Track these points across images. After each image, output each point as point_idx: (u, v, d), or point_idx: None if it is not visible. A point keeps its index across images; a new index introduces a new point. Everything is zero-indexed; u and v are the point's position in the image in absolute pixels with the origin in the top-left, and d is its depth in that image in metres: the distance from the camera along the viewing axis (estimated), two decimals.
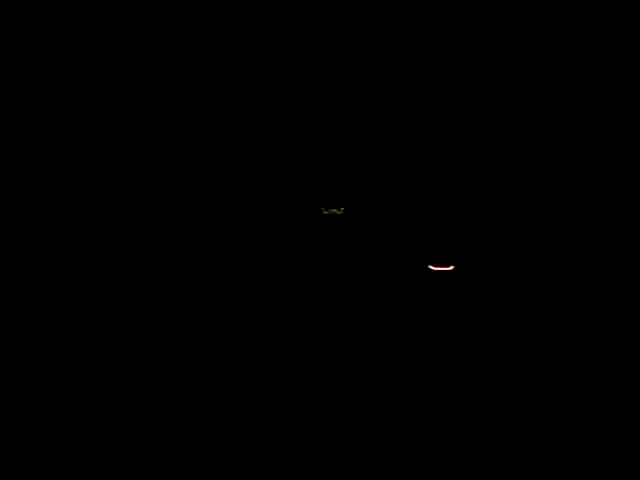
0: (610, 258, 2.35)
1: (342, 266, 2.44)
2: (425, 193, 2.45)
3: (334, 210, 2.17)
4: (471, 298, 2.40)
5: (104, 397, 2.14)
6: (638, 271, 2.31)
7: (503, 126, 2.41)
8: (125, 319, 2.32)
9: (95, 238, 2.36)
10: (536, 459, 1.90)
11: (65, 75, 2.34)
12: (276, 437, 2.00)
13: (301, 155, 2.43)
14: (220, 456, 1.92)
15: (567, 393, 2.16)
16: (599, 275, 2.34)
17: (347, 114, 2.43)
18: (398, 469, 1.88)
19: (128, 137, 2.38)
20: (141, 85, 2.37)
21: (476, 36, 2.37)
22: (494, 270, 2.41)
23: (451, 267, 2.31)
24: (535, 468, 1.88)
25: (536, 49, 2.37)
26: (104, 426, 2.03)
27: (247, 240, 2.42)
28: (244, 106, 2.41)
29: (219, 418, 2.08)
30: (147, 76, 2.38)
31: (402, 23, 2.37)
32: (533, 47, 2.36)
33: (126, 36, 2.34)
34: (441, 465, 1.89)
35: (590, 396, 2.14)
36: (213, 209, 2.42)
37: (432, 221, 2.45)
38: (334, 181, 2.45)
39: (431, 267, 2.34)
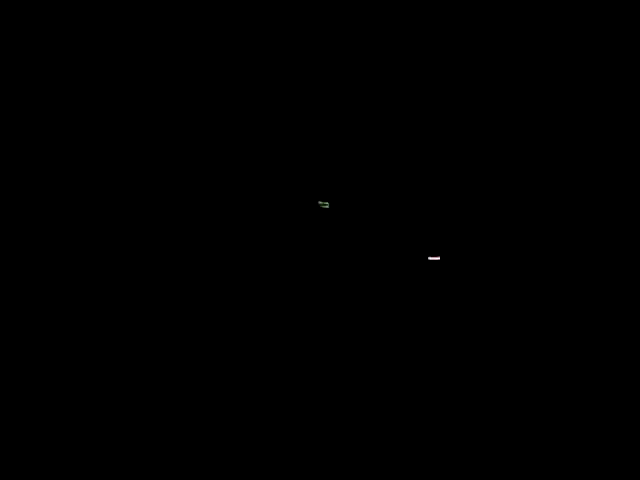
0: (609, 255, 2.35)
1: (338, 259, 2.44)
2: (421, 188, 2.46)
3: (324, 203, 2.18)
4: (470, 294, 2.40)
5: (104, 397, 2.14)
6: (637, 270, 2.32)
7: (500, 122, 2.41)
8: (125, 319, 2.32)
9: (95, 238, 2.36)
10: (536, 458, 1.91)
11: (65, 75, 2.34)
12: (276, 436, 2.00)
13: (299, 151, 2.44)
14: (220, 456, 1.92)
15: (565, 389, 2.16)
16: (598, 270, 2.35)
17: (344, 111, 2.43)
18: (398, 468, 1.88)
19: (128, 137, 2.39)
20: (141, 85, 2.38)
21: (476, 36, 2.37)
22: (492, 265, 2.41)
23: (438, 257, 2.31)
24: (535, 467, 1.88)
25: (536, 49, 2.37)
26: (104, 426, 2.03)
27: (244, 235, 2.42)
28: (242, 105, 2.42)
29: (219, 417, 2.08)
30: (147, 76, 2.38)
31: (402, 23, 2.37)
32: (533, 47, 2.37)
33: (126, 36, 2.34)
34: (441, 464, 1.89)
35: (588, 391, 2.15)
36: (209, 206, 2.42)
37: (429, 214, 2.45)
38: (330, 175, 2.45)
39: (430, 258, 2.34)
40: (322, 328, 2.37)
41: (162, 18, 2.35)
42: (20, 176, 2.32)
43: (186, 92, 2.40)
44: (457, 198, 2.45)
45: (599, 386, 2.17)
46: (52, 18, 2.31)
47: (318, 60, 2.40)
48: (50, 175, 2.34)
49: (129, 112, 2.38)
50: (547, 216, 2.40)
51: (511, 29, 2.35)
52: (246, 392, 2.18)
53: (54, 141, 2.35)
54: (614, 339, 2.28)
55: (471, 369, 2.27)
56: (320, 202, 2.22)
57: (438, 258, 2.37)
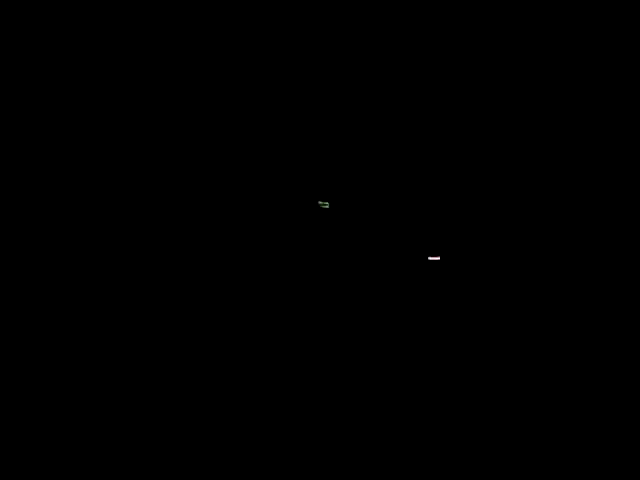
0: (608, 254, 2.35)
1: (339, 259, 2.44)
2: (421, 187, 2.46)
3: (324, 203, 2.18)
4: (470, 293, 2.40)
5: (104, 397, 2.14)
6: (636, 269, 2.32)
7: (500, 121, 2.41)
8: (125, 319, 2.32)
9: (95, 238, 2.36)
10: (535, 458, 1.91)
11: (65, 75, 2.34)
12: (276, 435, 2.00)
13: (298, 151, 2.44)
14: (220, 456, 1.92)
15: (565, 388, 2.16)
16: (598, 269, 2.35)
17: (344, 111, 2.43)
18: (398, 468, 1.88)
19: (128, 137, 2.39)
20: (141, 85, 2.38)
21: (476, 36, 2.37)
22: (492, 264, 2.41)
23: (437, 257, 2.31)
24: (535, 467, 1.88)
25: (536, 49, 2.37)
26: (104, 426, 2.03)
27: (245, 234, 2.42)
28: (242, 104, 2.42)
29: (219, 417, 2.08)
30: (147, 76, 2.38)
31: (402, 23, 2.37)
32: (533, 47, 2.37)
33: (126, 36, 2.34)
34: (441, 464, 1.89)
35: (588, 390, 2.15)
36: (209, 206, 2.42)
37: (428, 213, 2.45)
38: (329, 175, 2.46)
39: (430, 258, 2.34)
40: (322, 327, 2.37)
41: (162, 18, 2.35)
42: (20, 176, 2.32)
43: (186, 92, 2.40)
44: (457, 197, 2.45)
45: (599, 385, 2.17)
46: (52, 18, 2.31)
47: (318, 59, 2.40)
48: (50, 175, 2.34)
49: (129, 112, 2.38)
50: (547, 215, 2.40)
51: (511, 29, 2.35)
52: (246, 391, 2.19)
53: (54, 141, 2.35)
54: (614, 338, 2.28)
55: (471, 368, 2.27)
56: (320, 202, 2.22)
57: (438, 258, 2.37)
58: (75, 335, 2.28)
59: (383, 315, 2.39)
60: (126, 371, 2.23)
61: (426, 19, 2.37)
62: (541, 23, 2.35)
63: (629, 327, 2.28)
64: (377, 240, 2.47)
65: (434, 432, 2.03)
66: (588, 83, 2.36)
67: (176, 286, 2.37)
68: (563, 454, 1.92)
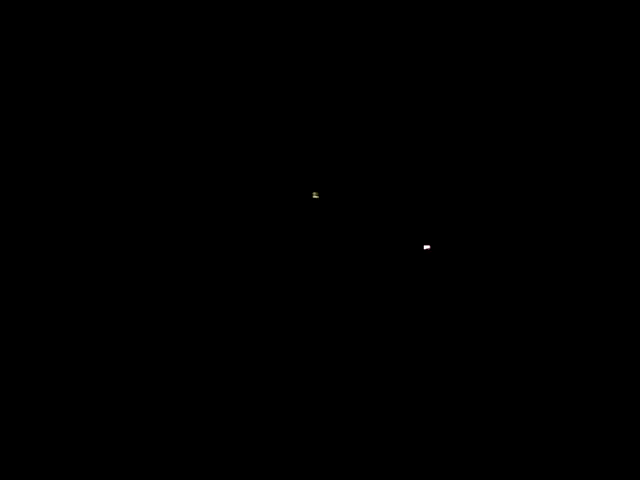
0: (609, 251, 2.35)
1: (336, 253, 2.44)
2: (419, 182, 2.46)
3: (314, 194, 2.18)
4: (469, 290, 2.40)
5: (104, 397, 2.14)
6: (636, 269, 2.32)
7: (498, 117, 2.41)
8: (125, 319, 2.32)
9: (95, 238, 2.36)
10: (535, 457, 1.91)
11: (65, 75, 2.35)
12: (276, 434, 2.00)
13: (297, 148, 2.44)
14: (220, 456, 1.92)
15: (565, 386, 2.16)
16: (598, 265, 2.35)
17: (342, 108, 2.43)
18: (398, 467, 1.88)
19: (128, 137, 2.39)
20: (141, 85, 2.38)
21: (476, 36, 2.37)
22: (490, 260, 2.41)
23: (430, 248, 2.31)
24: (535, 467, 1.88)
25: (536, 49, 2.37)
26: (104, 426, 2.03)
27: (242, 229, 2.42)
28: (241, 103, 2.42)
29: (219, 417, 2.08)
30: (147, 76, 2.38)
31: (402, 23, 2.37)
32: (533, 47, 2.37)
33: (126, 36, 2.34)
34: (441, 464, 1.89)
35: (588, 389, 2.14)
36: (207, 203, 2.42)
37: (427, 208, 2.45)
38: (327, 171, 2.46)
39: (425, 247, 2.34)
40: (320, 323, 2.37)
41: (162, 18, 2.35)
42: (20, 176, 2.33)
43: (185, 91, 2.40)
44: (456, 194, 2.45)
45: (599, 383, 2.17)
46: (52, 18, 2.31)
47: (317, 59, 2.40)
48: (50, 175, 2.35)
49: (129, 112, 2.38)
50: (546, 212, 2.40)
51: (511, 29, 2.35)
52: (245, 390, 2.19)
53: (54, 141, 2.35)
54: (614, 336, 2.28)
55: (470, 364, 2.27)
56: (314, 194, 2.22)
57: (429, 248, 2.37)
58: (75, 335, 2.28)
59: (382, 309, 2.39)
60: (126, 371, 2.23)
61: (426, 19, 2.37)
62: (541, 23, 2.34)
63: (629, 325, 2.28)
64: (376, 234, 2.47)
65: (434, 429, 2.03)
66: (588, 83, 2.36)
67: (175, 282, 2.37)
68: (563, 453, 1.92)
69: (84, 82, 2.36)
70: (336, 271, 2.44)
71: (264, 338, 2.34)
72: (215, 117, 2.43)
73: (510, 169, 2.42)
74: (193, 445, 1.98)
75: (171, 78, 2.39)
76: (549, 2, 2.32)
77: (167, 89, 2.40)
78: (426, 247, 2.37)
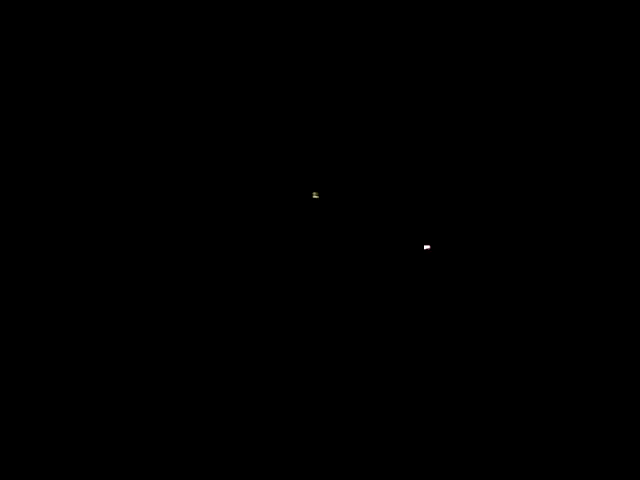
0: (609, 250, 2.35)
1: (336, 253, 2.44)
2: (419, 182, 2.46)
3: (314, 194, 2.18)
4: (469, 290, 2.40)
5: (104, 397, 2.14)
6: (635, 269, 2.32)
7: (497, 116, 2.41)
8: (125, 319, 2.32)
9: (95, 238, 2.36)
10: (535, 457, 1.91)
11: (65, 75, 2.35)
12: (276, 434, 2.00)
13: (296, 147, 2.44)
14: (220, 456, 1.92)
15: (565, 386, 2.16)
16: (598, 264, 2.35)
17: (342, 108, 2.43)
18: (398, 467, 1.88)
19: (128, 137, 2.39)
20: (141, 85, 2.38)
21: (476, 36, 2.37)
22: (491, 261, 2.41)
23: (430, 247, 2.31)
24: (535, 467, 1.88)
25: (536, 49, 2.37)
26: (104, 426, 2.03)
27: (241, 228, 2.42)
28: (240, 102, 2.42)
29: (219, 417, 2.08)
30: (147, 76, 2.38)
31: (402, 23, 2.37)
32: (533, 47, 2.37)
33: (126, 36, 2.34)
34: (441, 464, 1.89)
35: (588, 389, 2.14)
36: (207, 202, 2.42)
37: (427, 207, 2.45)
38: (326, 171, 2.46)
39: (426, 247, 2.34)
40: (320, 322, 2.37)
41: (162, 17, 2.35)
42: (20, 176, 2.33)
43: (185, 90, 2.40)
44: (456, 193, 2.45)
45: (599, 383, 2.17)
46: (52, 18, 2.31)
47: (316, 58, 2.40)
48: (50, 175, 2.35)
49: (129, 112, 2.38)
50: (546, 211, 2.40)
51: (511, 29, 2.35)
52: (245, 389, 2.18)
53: (54, 141, 2.35)
54: (614, 336, 2.28)
55: (470, 365, 2.27)
56: (314, 194, 2.22)
57: (429, 247, 2.37)
58: (75, 335, 2.28)
59: (382, 309, 2.39)
60: (126, 371, 2.23)
61: (426, 19, 2.37)
62: (541, 23, 2.34)
63: (629, 325, 2.28)
64: (376, 234, 2.47)
65: (434, 428, 2.03)
66: (588, 83, 2.36)
67: (175, 282, 2.37)
68: (563, 453, 1.92)
69: (84, 82, 2.36)
70: (336, 271, 2.44)
71: (264, 337, 2.34)
72: (215, 117, 2.43)
73: (510, 168, 2.42)
74: (193, 445, 1.98)
75: (171, 78, 2.39)
76: (549, 2, 2.32)
77: (167, 89, 2.40)
78: (426, 247, 2.37)
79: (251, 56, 2.41)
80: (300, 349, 2.33)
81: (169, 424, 2.05)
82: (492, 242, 2.43)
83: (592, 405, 2.11)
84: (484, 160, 2.44)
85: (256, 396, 2.17)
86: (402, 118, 2.45)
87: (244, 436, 2.01)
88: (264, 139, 2.44)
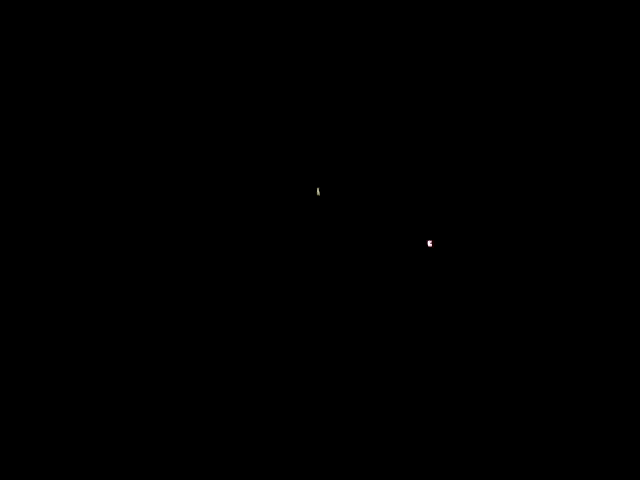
0: (609, 250, 2.35)
1: (337, 252, 2.44)
2: (420, 180, 2.46)
3: (317, 191, 2.18)
4: (471, 290, 2.40)
5: (104, 397, 2.14)
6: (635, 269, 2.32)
7: (497, 115, 2.41)
8: (125, 319, 2.32)
9: (95, 238, 2.36)
10: (535, 457, 1.90)
11: (65, 75, 2.35)
12: (276, 435, 2.00)
13: (297, 146, 2.44)
14: (220, 456, 1.92)
15: (565, 386, 2.16)
16: (598, 265, 2.35)
17: (342, 107, 2.43)
18: (398, 468, 1.88)
19: (128, 137, 2.39)
20: (141, 85, 2.38)
21: (476, 36, 2.37)
22: (492, 260, 2.41)
23: (432, 244, 2.31)
24: (535, 467, 1.88)
25: (536, 49, 2.37)
26: (104, 426, 2.03)
27: (241, 226, 2.42)
28: (239, 101, 2.42)
29: (219, 417, 2.08)
30: (147, 76, 2.38)
31: (402, 23, 2.37)
32: (533, 47, 2.37)
33: (126, 36, 2.34)
34: (441, 464, 1.89)
35: (588, 389, 2.14)
36: (207, 199, 2.42)
37: (428, 206, 2.45)
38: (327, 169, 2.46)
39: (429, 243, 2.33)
40: (320, 322, 2.37)
41: (162, 17, 2.35)
42: (20, 176, 2.32)
43: (185, 90, 2.40)
44: (459, 189, 2.45)
45: (599, 384, 2.17)
46: (52, 18, 2.31)
47: (317, 57, 2.40)
48: (50, 175, 2.34)
49: (129, 112, 2.38)
50: (547, 210, 2.40)
51: (511, 29, 2.35)
52: (245, 389, 2.18)
53: (54, 141, 2.35)
54: (614, 336, 2.28)
55: (471, 361, 2.27)
56: (317, 190, 2.22)
57: (431, 244, 2.37)
58: (75, 335, 2.28)
59: (384, 305, 2.39)
60: (126, 371, 2.23)
61: (426, 18, 2.37)
62: (541, 23, 2.34)
63: (629, 326, 2.28)
64: (379, 230, 2.47)
65: (434, 428, 2.02)
66: (588, 83, 2.36)
67: (176, 280, 2.37)
68: (563, 453, 1.92)
69: (84, 82, 2.36)
70: (339, 266, 2.44)
71: (264, 335, 2.34)
72: (216, 114, 2.43)
73: (510, 168, 2.42)
74: (193, 445, 1.98)
75: (171, 77, 2.39)
76: (549, 2, 2.32)
77: (167, 88, 2.40)
78: (429, 243, 2.37)
79: (251, 55, 2.41)
80: (301, 345, 2.33)
81: (169, 424, 2.05)
82: (493, 239, 2.43)
83: (592, 404, 2.11)
84: (485, 158, 2.44)
85: (256, 396, 2.17)
86: (403, 115, 2.45)
87: (244, 436, 2.01)
88: (266, 136, 2.44)
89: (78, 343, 2.27)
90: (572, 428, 2.03)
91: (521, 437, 2.00)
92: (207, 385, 2.21)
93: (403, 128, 2.46)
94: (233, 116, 2.43)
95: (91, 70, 2.36)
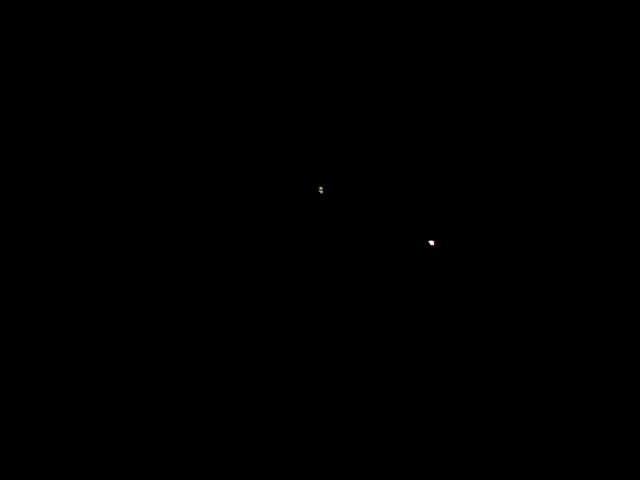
0: (609, 250, 2.35)
1: (337, 251, 2.44)
2: (420, 180, 2.46)
3: (320, 189, 2.18)
4: (471, 290, 2.40)
5: (104, 397, 2.14)
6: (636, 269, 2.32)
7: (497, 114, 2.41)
8: (125, 319, 2.32)
9: (95, 238, 2.36)
10: (536, 458, 1.90)
11: (65, 75, 2.34)
12: (276, 435, 2.00)
13: (297, 146, 2.44)
14: (220, 456, 1.92)
15: (566, 387, 2.16)
16: (599, 265, 2.35)
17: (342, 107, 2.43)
18: (398, 468, 1.88)
19: (128, 137, 2.39)
20: (141, 85, 2.38)
21: (476, 36, 2.37)
22: (493, 261, 2.41)
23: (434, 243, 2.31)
24: (535, 468, 1.88)
25: (536, 49, 2.37)
26: (104, 426, 2.03)
27: (241, 225, 2.42)
28: (239, 101, 2.42)
29: (219, 418, 2.08)
30: (147, 76, 2.38)
31: (402, 23, 2.37)
32: (533, 47, 2.37)
33: (126, 36, 2.34)
34: (441, 464, 1.89)
35: (589, 390, 2.14)
36: (208, 198, 2.42)
37: (428, 206, 2.45)
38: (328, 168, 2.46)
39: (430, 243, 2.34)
40: (321, 322, 2.37)
41: (162, 17, 2.35)
42: (20, 176, 2.32)
43: (185, 89, 2.40)
44: (462, 188, 2.45)
45: (600, 385, 2.17)
46: (52, 18, 2.31)
47: (317, 57, 2.41)
48: (50, 175, 2.34)
49: (128, 112, 2.38)
50: (547, 210, 2.40)
51: (511, 29, 2.36)
52: (245, 389, 2.18)
53: (54, 141, 2.35)
54: (614, 336, 2.28)
55: (473, 361, 2.27)
56: (320, 189, 2.22)
57: (433, 243, 2.37)
58: (75, 335, 2.28)
59: (387, 305, 2.39)
60: (126, 371, 2.23)
61: (426, 19, 2.37)
62: (541, 23, 2.35)
63: (629, 327, 2.28)
64: (381, 228, 2.47)
65: (434, 428, 2.02)
66: (588, 83, 2.36)
67: (176, 280, 2.37)
68: (563, 454, 1.92)
69: (84, 82, 2.36)
70: (341, 265, 2.44)
71: (265, 335, 2.34)
72: (217, 112, 2.42)
73: (511, 168, 2.43)
74: (193, 445, 1.98)
75: (171, 77, 2.39)
76: (549, 2, 2.32)
77: (167, 88, 2.40)
78: (431, 243, 2.37)
79: (251, 54, 2.41)
80: (302, 343, 2.33)
81: (169, 424, 2.05)
82: (494, 239, 2.43)
83: (592, 404, 2.11)
84: (485, 157, 2.44)
85: (256, 395, 2.17)
86: (405, 113, 2.45)
87: (244, 436, 2.01)
88: (267, 134, 2.44)
89: (78, 343, 2.27)
90: (572, 428, 2.03)
91: (521, 437, 2.00)
92: (207, 385, 2.20)
93: (403, 128, 2.46)
94: (233, 116, 2.43)
95: (91, 70, 2.35)
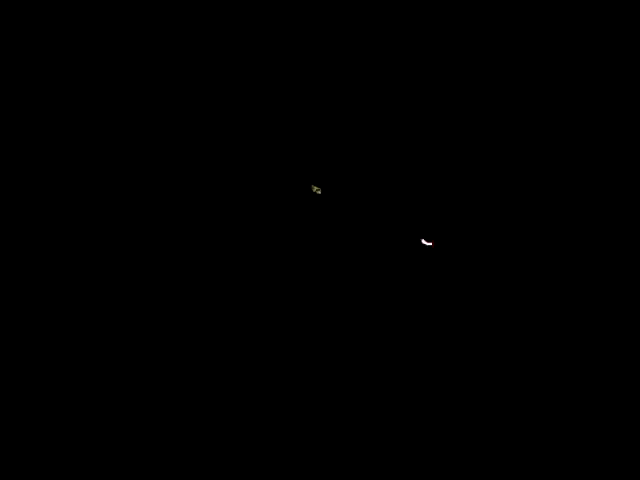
0: (609, 250, 2.35)
1: (336, 252, 2.44)
2: (419, 180, 2.46)
3: (316, 189, 2.18)
4: (471, 290, 2.40)
5: (104, 397, 2.14)
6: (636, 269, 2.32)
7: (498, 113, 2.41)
8: (125, 319, 2.32)
9: (95, 238, 2.36)
10: (536, 458, 1.91)
11: (65, 75, 2.34)
12: (276, 436, 2.00)
13: (297, 146, 2.44)
14: (220, 456, 1.92)
15: (566, 387, 2.16)
16: (598, 265, 2.35)
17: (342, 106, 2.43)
18: (398, 468, 1.88)
19: (128, 137, 2.39)
20: (141, 84, 2.38)
21: (476, 36, 2.37)
22: (492, 261, 2.41)
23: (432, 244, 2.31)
24: (535, 468, 1.88)
25: (536, 49, 2.37)
26: (104, 426, 2.03)
27: (240, 225, 2.42)
28: (239, 101, 2.42)
29: (219, 418, 2.08)
30: (147, 75, 2.38)
31: (402, 23, 2.37)
32: (533, 47, 2.37)
33: (126, 36, 2.34)
34: (441, 465, 1.89)
35: (589, 391, 2.14)
36: (206, 197, 2.42)
37: (427, 206, 2.45)
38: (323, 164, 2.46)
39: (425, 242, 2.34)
40: (320, 322, 2.37)
41: (162, 17, 2.35)
42: (20, 176, 2.32)
43: (185, 89, 2.40)
44: (458, 189, 2.45)
45: (600, 385, 2.17)
46: (52, 18, 2.31)
47: (317, 57, 2.41)
48: (50, 175, 2.34)
49: (128, 112, 2.38)
50: (547, 210, 2.40)
51: (511, 29, 2.36)
52: (245, 390, 2.18)
53: (54, 141, 2.35)
54: (614, 337, 2.28)
55: (471, 362, 2.27)
56: (316, 189, 2.22)
57: (431, 244, 2.37)
58: (75, 335, 2.28)
59: (383, 306, 2.39)
60: (126, 371, 2.23)
61: (426, 19, 2.37)
62: (541, 23, 2.35)
63: (629, 327, 2.29)
64: (378, 229, 2.47)
65: (434, 429, 2.03)
66: (588, 83, 2.36)
67: (176, 279, 2.37)
68: (563, 454, 1.92)
69: (84, 82, 2.36)
70: (338, 266, 2.44)
71: (265, 336, 2.34)
72: (215, 113, 2.43)
73: (510, 168, 2.43)
74: (193, 445, 1.98)
75: (171, 77, 2.39)
76: (549, 2, 2.32)
77: (167, 88, 2.40)
78: (428, 243, 2.37)
79: (251, 54, 2.41)
80: (301, 344, 2.33)
81: (169, 424, 2.05)
82: (493, 239, 2.43)
83: (592, 405, 2.11)
84: (485, 157, 2.44)
85: (256, 395, 2.17)
86: (403, 114, 2.45)
87: (244, 436, 2.01)
88: (264, 135, 2.45)
89: (78, 342, 2.27)
90: (572, 428, 2.03)
91: (521, 437, 2.00)
92: (207, 385, 2.21)
93: (403, 128, 2.46)
94: (233, 115, 2.43)
95: (91, 70, 2.36)
